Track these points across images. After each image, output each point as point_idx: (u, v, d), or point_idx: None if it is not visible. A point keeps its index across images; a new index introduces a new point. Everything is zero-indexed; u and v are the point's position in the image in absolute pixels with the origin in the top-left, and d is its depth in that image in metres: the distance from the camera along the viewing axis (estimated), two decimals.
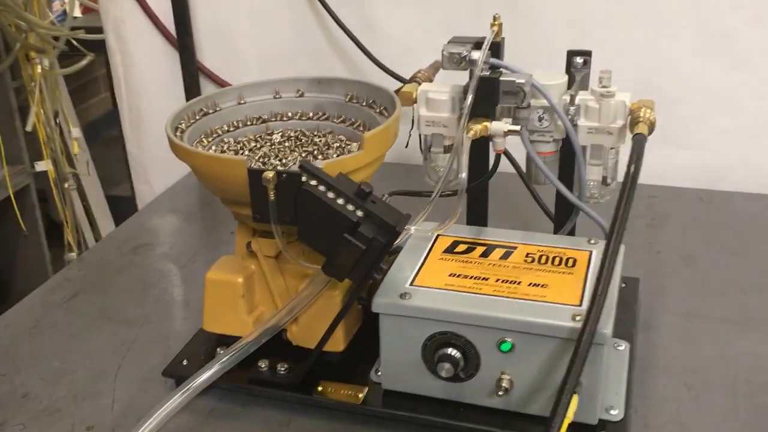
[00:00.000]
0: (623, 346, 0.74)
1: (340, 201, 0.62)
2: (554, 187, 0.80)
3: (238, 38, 1.31)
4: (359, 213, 0.62)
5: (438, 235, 0.75)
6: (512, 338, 0.63)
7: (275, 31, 1.27)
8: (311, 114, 0.82)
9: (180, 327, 0.86)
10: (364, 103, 0.80)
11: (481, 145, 0.74)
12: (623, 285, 0.84)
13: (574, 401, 0.59)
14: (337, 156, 0.75)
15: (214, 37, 1.32)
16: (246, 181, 0.65)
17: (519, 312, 0.63)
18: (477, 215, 0.85)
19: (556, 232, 0.84)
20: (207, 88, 1.36)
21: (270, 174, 0.62)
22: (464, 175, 0.68)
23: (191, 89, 1.35)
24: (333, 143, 0.78)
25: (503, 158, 0.79)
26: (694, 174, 1.12)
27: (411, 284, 0.67)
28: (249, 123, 0.81)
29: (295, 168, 0.63)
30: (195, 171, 0.70)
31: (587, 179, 0.77)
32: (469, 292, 0.66)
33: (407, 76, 1.02)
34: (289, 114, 0.82)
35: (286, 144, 0.78)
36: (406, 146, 0.82)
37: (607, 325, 0.61)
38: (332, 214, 0.62)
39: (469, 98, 0.70)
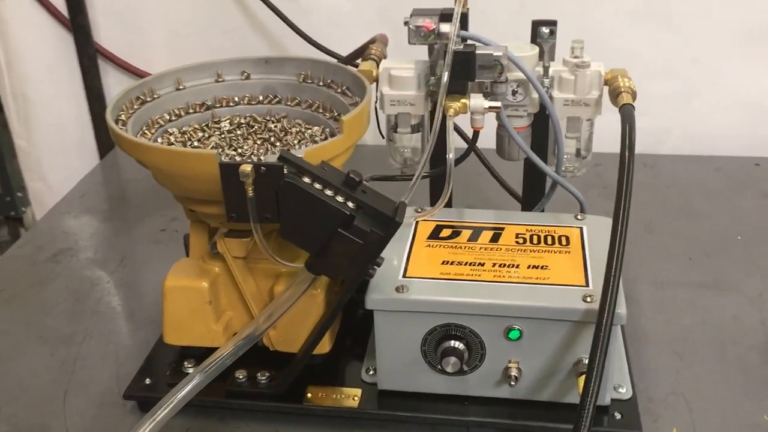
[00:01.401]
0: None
1: (329, 192, 0.58)
2: (519, 165, 0.80)
3: (141, 16, 1.22)
4: (351, 205, 0.58)
5: (417, 221, 0.72)
6: (521, 325, 0.62)
7: (184, 7, 1.19)
8: (261, 97, 0.77)
9: (128, 341, 0.80)
10: (321, 84, 0.75)
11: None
12: None
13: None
14: (298, 142, 0.70)
15: (114, 16, 1.22)
16: (216, 178, 0.59)
17: (528, 297, 0.61)
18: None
19: (525, 209, 0.83)
20: (109, 73, 1.26)
21: (247, 168, 0.57)
22: (451, 155, 0.66)
23: (90, 74, 1.25)
24: (290, 128, 0.73)
25: (456, 136, 0.77)
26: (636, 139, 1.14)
27: (404, 276, 0.64)
28: (192, 110, 0.75)
29: (274, 159, 0.58)
30: (153, 169, 0.64)
31: (564, 151, 0.76)
32: (469, 280, 0.64)
33: (343, 53, 0.99)
34: (236, 99, 0.77)
35: (238, 132, 0.73)
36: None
37: (621, 304, 0.60)
38: (321, 208, 0.58)
39: (445, 75, 0.68)
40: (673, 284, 0.84)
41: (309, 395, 0.67)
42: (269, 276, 0.69)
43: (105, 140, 1.27)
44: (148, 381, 0.69)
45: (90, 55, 1.24)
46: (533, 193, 0.82)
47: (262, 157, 0.67)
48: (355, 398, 0.66)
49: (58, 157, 1.30)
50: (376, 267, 0.61)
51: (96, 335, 0.80)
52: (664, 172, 1.09)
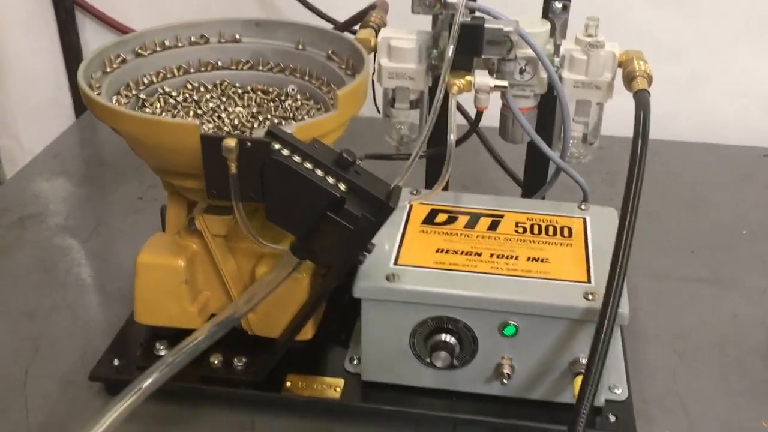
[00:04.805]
0: None
1: (319, 173, 0.55)
2: (519, 147, 0.77)
3: None
4: (342, 186, 0.55)
5: (411, 204, 0.70)
6: (517, 321, 0.60)
7: None
8: (252, 63, 0.73)
9: (98, 317, 0.77)
10: (316, 52, 0.72)
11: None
12: None
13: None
14: (293, 116, 0.67)
15: None
16: (197, 151, 0.56)
17: (526, 293, 0.59)
18: (436, 175, 0.80)
19: (525, 195, 0.81)
20: (87, 27, 1.22)
21: (231, 142, 0.54)
22: (453, 137, 0.63)
23: (67, 27, 1.21)
24: (284, 100, 0.70)
25: (459, 116, 0.74)
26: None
27: (395, 264, 0.62)
28: (172, 74, 0.71)
29: (261, 134, 0.55)
30: (128, 138, 0.61)
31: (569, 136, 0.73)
32: (464, 271, 0.61)
33: (341, 19, 0.95)
34: (220, 63, 0.73)
35: (228, 99, 0.70)
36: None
37: (624, 304, 0.58)
38: (311, 189, 0.55)
39: (450, 49, 0.65)
40: (673, 278, 0.83)
41: (288, 384, 0.65)
42: (251, 256, 0.66)
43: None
44: (116, 362, 0.67)
45: (67, 7, 1.19)
46: (535, 178, 0.80)
47: (248, 132, 0.64)
48: (337, 389, 0.64)
49: (31, 115, 1.26)
50: (366, 253, 0.58)
51: (63, 309, 0.78)
52: (670, 159, 1.07)
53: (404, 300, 0.60)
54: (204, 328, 0.63)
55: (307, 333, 0.66)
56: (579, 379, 0.57)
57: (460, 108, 0.80)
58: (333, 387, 0.65)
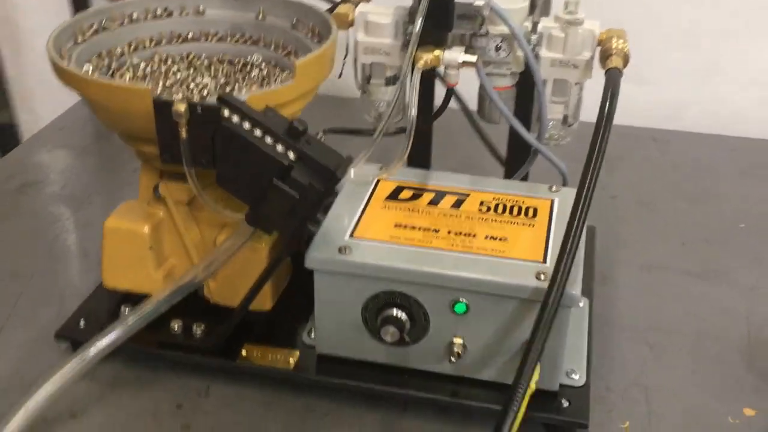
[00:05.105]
0: (582, 302, 0.70)
1: (269, 140, 0.55)
2: (506, 127, 0.76)
3: None
4: (291, 155, 0.55)
5: (379, 180, 0.69)
6: (467, 299, 0.59)
7: None
8: (222, 35, 0.73)
9: (77, 282, 0.78)
10: (287, 23, 0.72)
11: (426, 76, 0.68)
12: None
13: (537, 368, 0.56)
14: (262, 86, 0.67)
15: None
16: (151, 115, 0.57)
17: (476, 270, 0.58)
18: (419, 157, 0.79)
19: (507, 177, 0.79)
20: (98, 2, 1.24)
21: (181, 107, 0.55)
22: (413, 111, 0.62)
23: (78, 4, 1.23)
24: (251, 71, 0.70)
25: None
26: (647, 112, 1.09)
27: (351, 236, 0.62)
28: (144, 46, 0.72)
29: (212, 100, 0.56)
30: (87, 101, 0.62)
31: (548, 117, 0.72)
32: (418, 246, 0.61)
33: None
34: (190, 35, 0.73)
35: (196, 71, 0.70)
36: (339, 76, 0.74)
37: (575, 285, 0.57)
38: (259, 157, 0.55)
39: (418, 22, 0.64)
40: (661, 269, 0.81)
41: (244, 353, 0.65)
42: (214, 225, 0.67)
43: None
44: (82, 323, 0.68)
45: None
46: (517, 159, 0.78)
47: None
48: (292, 360, 0.64)
49: (47, 89, 1.29)
50: (315, 224, 0.58)
51: (45, 273, 0.79)
52: (675, 149, 1.04)
53: (355, 273, 0.60)
54: (163, 291, 0.64)
55: (266, 303, 0.66)
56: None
57: (455, 92, 0.79)
58: (288, 358, 0.65)
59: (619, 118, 1.11)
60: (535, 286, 0.57)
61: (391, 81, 0.74)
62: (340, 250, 0.60)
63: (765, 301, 0.76)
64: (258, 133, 0.55)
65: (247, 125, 0.55)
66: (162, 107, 0.56)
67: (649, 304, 0.76)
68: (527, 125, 0.73)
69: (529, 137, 0.71)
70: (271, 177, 0.55)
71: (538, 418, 0.60)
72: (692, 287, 0.78)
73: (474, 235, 0.62)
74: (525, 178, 0.77)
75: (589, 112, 0.75)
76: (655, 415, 0.63)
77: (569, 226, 0.55)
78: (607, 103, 0.60)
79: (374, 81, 0.73)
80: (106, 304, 0.70)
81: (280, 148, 0.55)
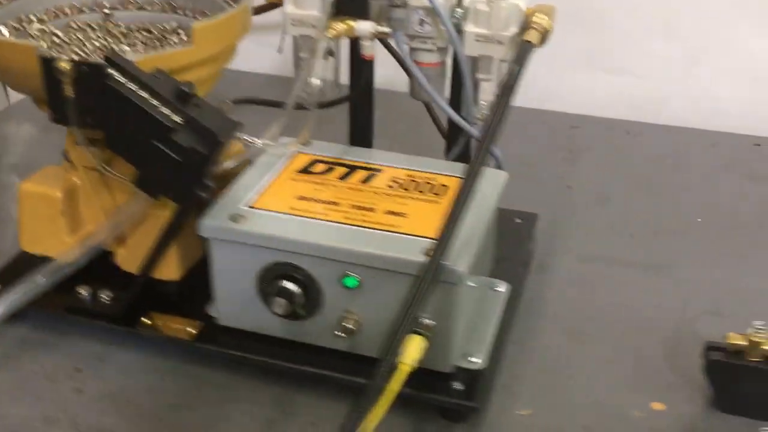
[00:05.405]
0: (502, 287, 0.68)
1: (154, 102, 0.55)
2: None
3: None
4: (177, 118, 0.55)
5: (299, 153, 0.68)
6: (358, 273, 0.57)
7: None
8: (141, 3, 0.73)
9: (12, 249, 0.79)
10: None
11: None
12: (518, 221, 0.79)
13: (419, 345, 0.54)
14: None
15: None
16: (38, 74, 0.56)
17: (364, 243, 0.57)
18: (360, 133, 0.78)
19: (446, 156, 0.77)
20: None
21: (65, 64, 0.54)
22: (317, 81, 0.61)
23: None
24: (169, 37, 0.69)
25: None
26: (625, 104, 1.06)
27: (249, 206, 0.61)
28: (66, 13, 0.71)
29: (98, 59, 0.55)
30: None
31: (480, 97, 0.70)
32: (314, 218, 0.60)
33: None
34: (107, 3, 0.73)
35: (114, 39, 0.70)
36: (279, 51, 0.74)
37: (460, 261, 0.55)
38: (142, 118, 0.55)
39: None
40: (601, 260, 0.78)
41: (146, 321, 0.65)
42: (126, 192, 0.66)
43: None
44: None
45: None
46: (455, 139, 0.76)
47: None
48: (193, 331, 0.64)
49: None
50: (206, 190, 0.57)
51: None
52: (648, 142, 1.00)
53: (246, 242, 0.59)
54: (69, 254, 0.64)
55: (173, 273, 0.66)
56: (411, 338, 0.54)
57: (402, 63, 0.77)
58: (189, 328, 0.64)
59: (595, 110, 1.08)
60: (421, 262, 0.55)
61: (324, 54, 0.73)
62: (232, 218, 0.59)
63: (703, 296, 0.72)
64: (144, 94, 0.55)
65: (133, 86, 0.55)
66: (47, 65, 0.55)
67: (581, 294, 0.73)
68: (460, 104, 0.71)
69: (454, 114, 0.69)
70: (154, 139, 0.55)
71: (426, 399, 0.58)
72: (631, 279, 0.75)
73: (373, 210, 0.61)
74: (466, 158, 0.74)
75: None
76: (559, 404, 0.61)
77: (455, 202, 0.53)
78: (509, 77, 0.58)
79: (302, 54, 0.72)
80: (27, 269, 0.70)
81: (165, 110, 0.55)
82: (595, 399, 0.61)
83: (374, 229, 0.59)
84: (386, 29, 0.63)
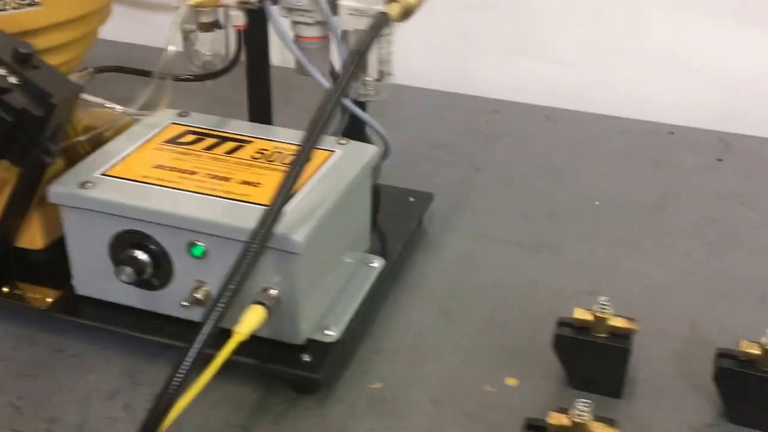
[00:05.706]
0: (377, 263, 0.68)
1: None
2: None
3: None
4: (12, 79, 0.54)
5: (172, 123, 0.68)
6: (204, 241, 0.57)
7: None
8: None
9: None
10: None
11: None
12: (411, 199, 0.78)
13: (258, 314, 0.54)
14: None
15: None
16: None
17: (206, 211, 0.56)
18: (258, 108, 0.77)
19: None
20: None
21: None
22: (172, 48, 0.61)
23: None
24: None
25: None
26: (547, 90, 1.05)
27: (102, 173, 0.60)
28: None
29: None
30: None
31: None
32: (163, 186, 0.59)
33: None
34: None
35: None
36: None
37: (298, 231, 0.54)
38: None
39: None
40: (489, 240, 0.77)
41: (5, 289, 0.64)
42: None
43: None
44: None
45: None
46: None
47: None
48: (49, 300, 0.63)
49: None
50: (50, 154, 0.57)
51: None
52: (566, 128, 1.00)
53: (94, 209, 0.58)
54: None
55: (36, 241, 0.65)
56: (251, 308, 0.54)
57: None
58: (46, 297, 0.63)
59: (516, 95, 1.08)
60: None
61: (206, 27, 0.72)
62: (81, 185, 0.58)
63: (583, 277, 0.72)
64: None
65: None
66: None
67: (461, 272, 0.73)
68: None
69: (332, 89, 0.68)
70: None
71: (272, 370, 0.58)
72: (515, 259, 0.74)
73: (229, 179, 0.60)
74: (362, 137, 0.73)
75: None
76: (413, 377, 0.60)
77: (287, 171, 0.53)
78: (356, 48, 0.57)
79: (186, 26, 0.71)
80: None
81: (1, 71, 0.54)
82: (449, 373, 0.61)
83: (224, 198, 0.58)
84: None
